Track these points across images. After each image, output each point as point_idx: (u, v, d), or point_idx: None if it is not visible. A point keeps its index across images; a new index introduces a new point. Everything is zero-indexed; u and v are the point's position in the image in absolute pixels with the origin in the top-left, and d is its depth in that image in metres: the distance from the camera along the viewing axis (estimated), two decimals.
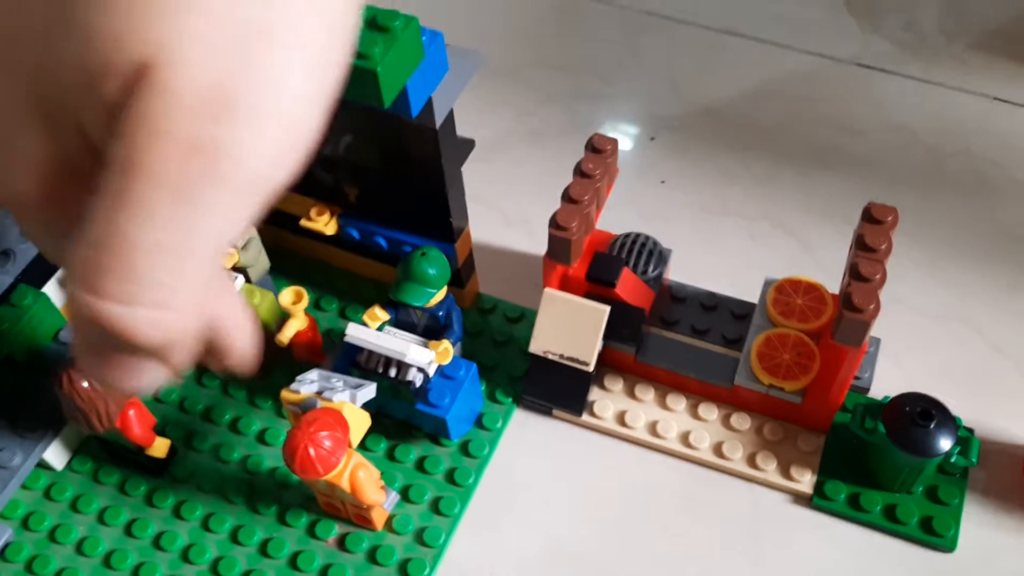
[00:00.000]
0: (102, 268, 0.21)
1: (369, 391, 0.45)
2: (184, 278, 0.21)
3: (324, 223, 0.53)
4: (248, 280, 0.53)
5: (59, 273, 0.54)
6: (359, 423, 0.44)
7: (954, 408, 0.47)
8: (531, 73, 0.71)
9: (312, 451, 0.41)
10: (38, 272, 0.52)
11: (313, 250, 0.57)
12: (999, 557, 0.47)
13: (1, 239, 0.50)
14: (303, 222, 0.53)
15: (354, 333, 0.46)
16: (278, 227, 0.56)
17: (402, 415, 0.50)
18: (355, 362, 0.48)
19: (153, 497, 0.50)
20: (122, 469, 0.51)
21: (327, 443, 0.41)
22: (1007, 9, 0.73)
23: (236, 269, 0.52)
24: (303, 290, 0.50)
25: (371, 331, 0.47)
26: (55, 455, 0.50)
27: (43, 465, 0.50)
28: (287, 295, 0.50)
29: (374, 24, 0.39)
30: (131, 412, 0.46)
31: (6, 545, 0.48)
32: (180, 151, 0.21)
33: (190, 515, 0.49)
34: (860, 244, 0.44)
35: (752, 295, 0.53)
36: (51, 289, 0.53)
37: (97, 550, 0.48)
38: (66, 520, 0.49)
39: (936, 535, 0.47)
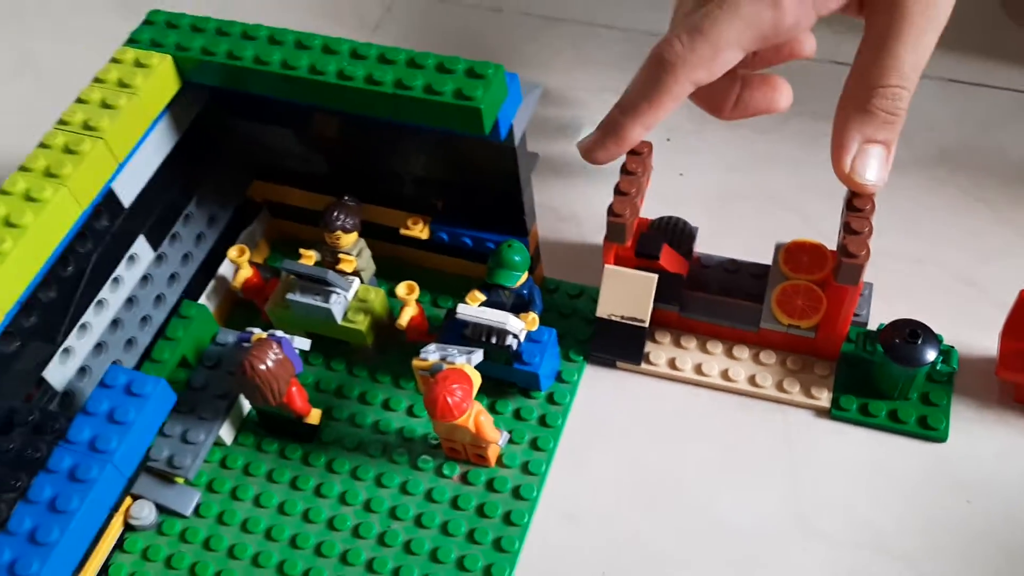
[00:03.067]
0: None
1: (478, 355, 0.57)
2: None
3: (419, 230, 0.65)
4: (362, 281, 0.65)
5: (209, 288, 0.66)
6: (475, 380, 0.57)
7: (936, 330, 0.59)
8: (565, 96, 0.84)
9: (449, 399, 0.53)
10: (196, 287, 0.65)
11: (408, 255, 0.70)
12: (981, 441, 0.59)
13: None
14: (402, 231, 0.65)
15: (463, 311, 0.59)
16: (381, 239, 0.68)
17: (498, 375, 0.63)
18: (461, 335, 0.61)
19: (308, 458, 0.62)
20: (279, 439, 0.63)
21: (459, 392, 0.54)
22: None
23: (353, 273, 0.65)
24: (415, 284, 0.62)
25: (475, 308, 0.59)
26: (225, 433, 0.62)
27: (217, 442, 0.63)
28: (402, 288, 0.62)
29: (472, 73, 0.52)
30: (294, 388, 0.59)
31: (198, 505, 0.61)
32: None
33: (340, 469, 0.61)
34: (850, 206, 0.57)
35: (764, 259, 0.66)
36: (205, 300, 0.66)
37: (271, 502, 0.60)
38: (242, 482, 0.62)
39: (931, 429, 0.59)
